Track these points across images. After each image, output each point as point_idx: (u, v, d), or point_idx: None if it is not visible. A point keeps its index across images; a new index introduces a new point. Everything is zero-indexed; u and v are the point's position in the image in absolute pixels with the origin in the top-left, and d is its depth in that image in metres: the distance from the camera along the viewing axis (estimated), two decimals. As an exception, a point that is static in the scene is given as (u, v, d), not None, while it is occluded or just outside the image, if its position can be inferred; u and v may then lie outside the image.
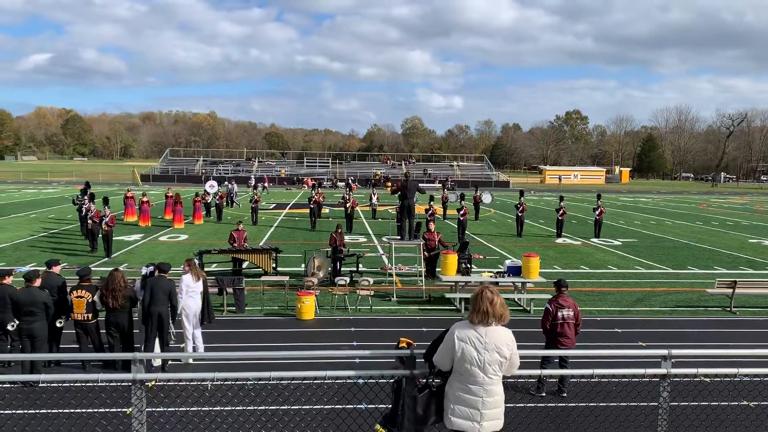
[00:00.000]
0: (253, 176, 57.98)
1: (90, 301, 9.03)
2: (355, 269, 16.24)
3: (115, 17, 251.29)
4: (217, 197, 30.27)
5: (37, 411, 7.29)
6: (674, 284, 16.25)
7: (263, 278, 14.25)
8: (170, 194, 28.60)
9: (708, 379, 7.13)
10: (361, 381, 4.57)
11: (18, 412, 7.33)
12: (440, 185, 52.60)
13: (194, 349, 9.49)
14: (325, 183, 62.53)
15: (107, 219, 18.17)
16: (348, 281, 14.05)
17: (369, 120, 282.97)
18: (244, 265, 16.11)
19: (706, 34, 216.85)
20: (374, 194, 33.44)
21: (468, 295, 12.34)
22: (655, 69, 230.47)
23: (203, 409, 7.42)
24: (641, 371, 4.62)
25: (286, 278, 13.76)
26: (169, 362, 9.08)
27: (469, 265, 14.17)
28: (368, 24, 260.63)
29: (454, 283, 13.37)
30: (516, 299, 13.56)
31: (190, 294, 9.47)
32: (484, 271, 14.48)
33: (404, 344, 4.87)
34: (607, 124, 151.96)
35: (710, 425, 6.50)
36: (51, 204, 36.22)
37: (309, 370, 4.64)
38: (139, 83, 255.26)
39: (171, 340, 9.57)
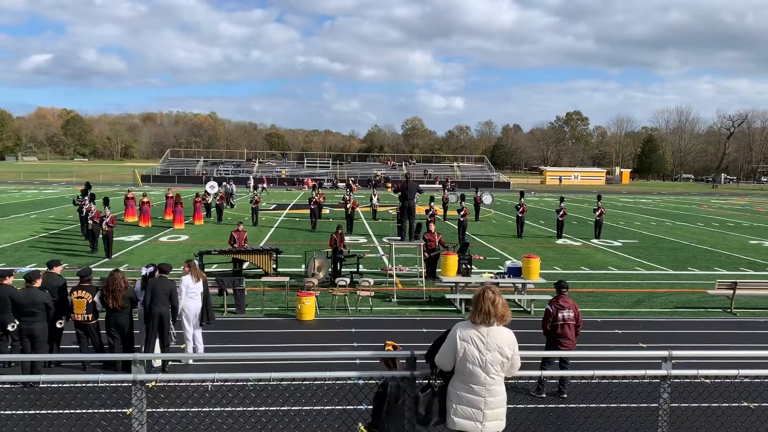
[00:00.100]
0: (252, 177, 57.96)
1: (90, 301, 9.03)
2: (355, 270, 16.23)
3: (116, 18, 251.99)
4: (218, 198, 30.29)
5: (38, 412, 7.29)
6: (674, 285, 16.24)
7: (263, 279, 14.25)
8: (171, 195, 28.60)
9: (708, 381, 7.10)
10: (361, 382, 4.57)
11: (18, 412, 7.33)
12: (440, 186, 52.61)
13: (194, 349, 9.49)
14: (325, 184, 62.54)
15: (108, 219, 18.17)
16: (348, 282, 14.04)
17: (369, 121, 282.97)
18: (245, 265, 16.11)
19: (707, 36, 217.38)
20: (375, 195, 33.44)
21: (468, 296, 12.34)
22: (656, 70, 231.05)
23: (203, 409, 7.42)
24: (641, 372, 4.61)
25: (287, 279, 13.77)
26: (170, 363, 9.08)
27: (469, 266, 14.17)
28: (369, 25, 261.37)
29: (454, 284, 13.36)
30: (516, 300, 13.55)
31: (190, 295, 9.47)
32: (485, 272, 14.48)
33: (390, 347, 4.88)
34: (608, 125, 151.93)
35: (711, 426, 6.49)
36: (51, 204, 36.23)
37: (309, 370, 4.64)
38: (140, 84, 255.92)
39: (172, 341, 9.57)
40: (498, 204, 43.02)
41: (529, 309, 13.16)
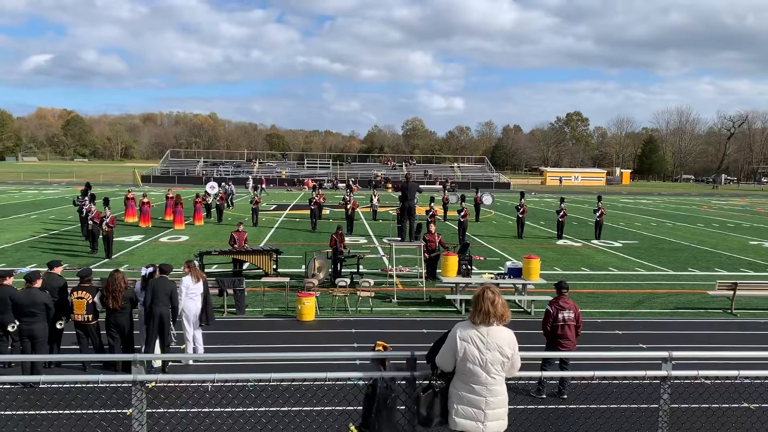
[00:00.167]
0: (251, 178, 57.95)
1: (90, 302, 9.03)
2: (355, 270, 16.23)
3: (117, 19, 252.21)
4: (218, 198, 30.30)
5: (38, 412, 7.29)
6: (675, 286, 16.24)
7: (264, 279, 14.25)
8: (171, 195, 28.61)
9: (709, 381, 7.12)
10: (361, 382, 4.58)
11: (18, 413, 7.33)
12: (441, 187, 52.61)
13: (194, 350, 9.49)
14: (325, 184, 62.53)
15: (108, 220, 18.17)
16: (348, 282, 14.05)
17: (369, 121, 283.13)
18: (245, 266, 16.11)
19: (707, 36, 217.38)
20: (375, 195, 33.45)
21: (468, 297, 12.33)
22: (656, 71, 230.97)
23: (203, 410, 7.42)
24: (642, 373, 4.61)
25: (287, 279, 13.76)
26: (170, 363, 9.08)
27: (469, 267, 14.17)
28: (369, 25, 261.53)
29: (454, 285, 13.36)
30: (516, 301, 13.55)
31: (190, 295, 9.48)
32: (485, 273, 14.49)
33: (380, 348, 4.88)
34: (608, 126, 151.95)
35: (711, 427, 6.49)
36: (52, 205, 36.24)
37: (309, 371, 4.64)
38: (140, 84, 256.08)
39: (172, 341, 9.57)
40: (498, 205, 43.03)
41: (529, 310, 13.15)
